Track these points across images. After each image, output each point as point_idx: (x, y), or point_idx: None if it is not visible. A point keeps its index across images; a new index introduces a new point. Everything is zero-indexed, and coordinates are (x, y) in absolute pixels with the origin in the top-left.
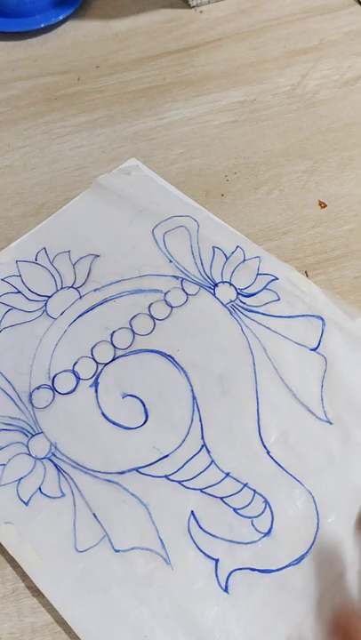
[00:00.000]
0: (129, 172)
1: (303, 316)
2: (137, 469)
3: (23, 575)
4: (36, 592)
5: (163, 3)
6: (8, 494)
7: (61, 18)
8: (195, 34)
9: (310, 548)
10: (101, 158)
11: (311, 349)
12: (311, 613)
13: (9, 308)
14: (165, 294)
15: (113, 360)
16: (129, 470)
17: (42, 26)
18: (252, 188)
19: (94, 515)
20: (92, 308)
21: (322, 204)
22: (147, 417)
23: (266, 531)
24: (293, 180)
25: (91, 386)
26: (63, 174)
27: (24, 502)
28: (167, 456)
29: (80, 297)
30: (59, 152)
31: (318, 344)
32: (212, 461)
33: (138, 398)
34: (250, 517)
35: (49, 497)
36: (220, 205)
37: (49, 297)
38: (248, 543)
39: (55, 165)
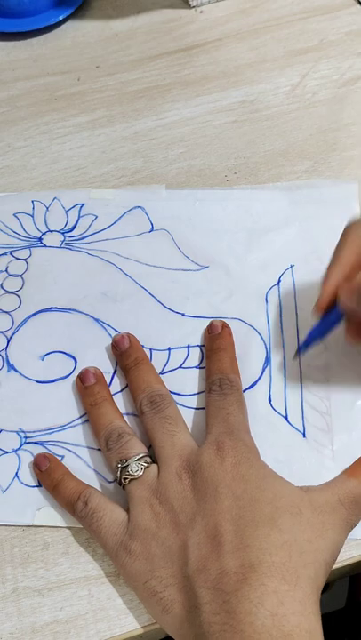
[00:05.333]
0: None
1: (124, 214)
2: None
3: (23, 575)
4: (35, 592)
5: (163, 3)
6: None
7: (61, 18)
8: (195, 34)
9: None
10: (102, 158)
11: (149, 231)
12: None
13: None
14: (6, 270)
15: (8, 341)
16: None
17: (42, 26)
18: None
19: (100, 449)
20: None
21: None
22: (74, 360)
23: None
24: (293, 180)
25: (8, 371)
26: (63, 174)
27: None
28: (115, 371)
29: None
30: (59, 152)
31: (152, 225)
32: (151, 350)
33: (57, 352)
34: None
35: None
36: None
37: None
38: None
39: (55, 165)
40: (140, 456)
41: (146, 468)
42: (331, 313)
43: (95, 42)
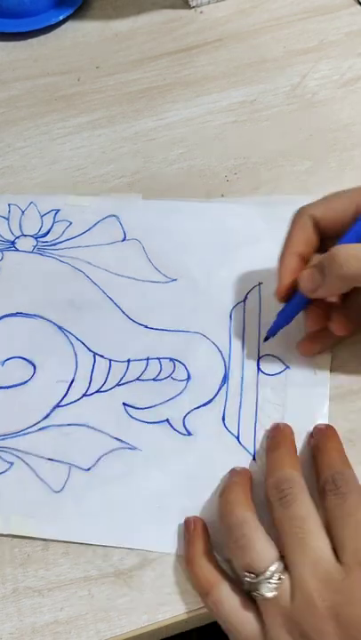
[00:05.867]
0: None
1: (98, 222)
2: (58, 405)
3: (23, 575)
4: (35, 592)
5: (163, 3)
6: None
7: (61, 18)
8: (195, 34)
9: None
10: (102, 159)
11: (122, 240)
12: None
13: None
14: None
15: None
16: (52, 410)
17: (42, 26)
18: (253, 188)
19: (49, 459)
20: None
21: None
22: (34, 366)
23: (186, 377)
24: (293, 181)
25: None
26: (63, 174)
27: None
28: (73, 380)
29: None
30: (59, 152)
31: (124, 234)
32: (110, 361)
33: (17, 358)
34: (167, 377)
35: (3, 473)
36: None
37: None
38: (178, 395)
39: (55, 166)
40: (272, 571)
41: (278, 586)
42: (293, 298)
43: (95, 42)
